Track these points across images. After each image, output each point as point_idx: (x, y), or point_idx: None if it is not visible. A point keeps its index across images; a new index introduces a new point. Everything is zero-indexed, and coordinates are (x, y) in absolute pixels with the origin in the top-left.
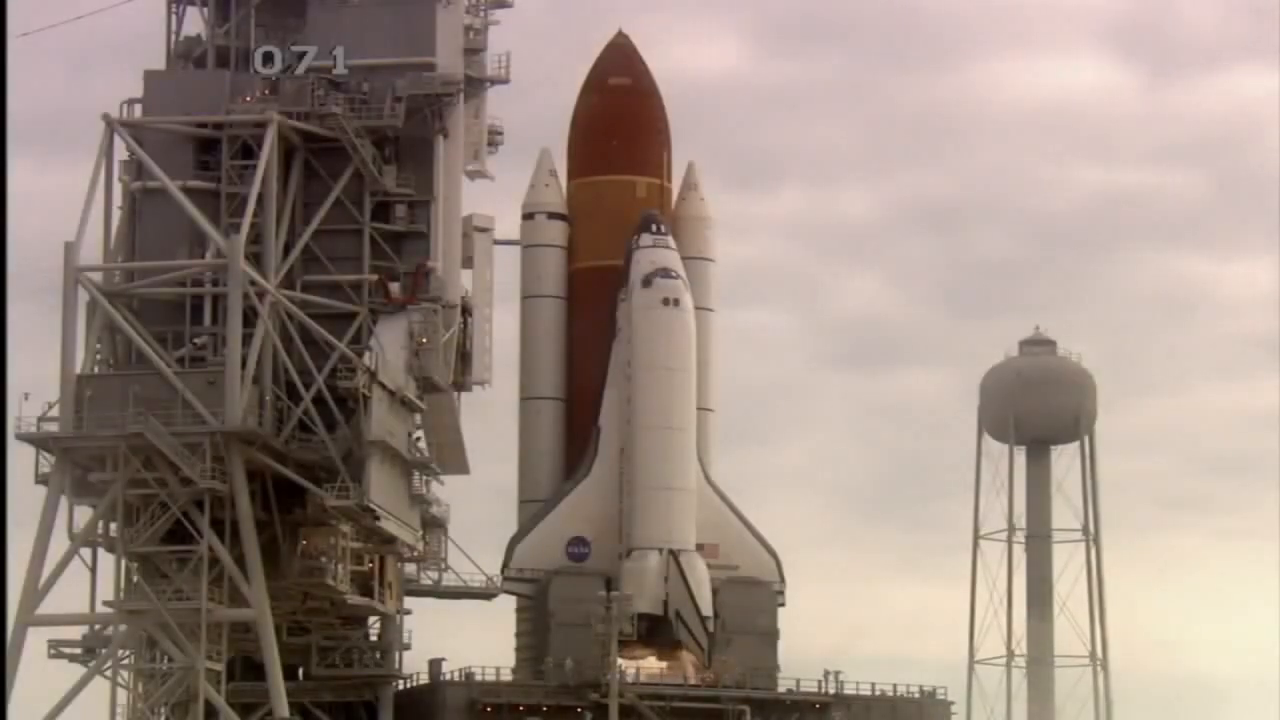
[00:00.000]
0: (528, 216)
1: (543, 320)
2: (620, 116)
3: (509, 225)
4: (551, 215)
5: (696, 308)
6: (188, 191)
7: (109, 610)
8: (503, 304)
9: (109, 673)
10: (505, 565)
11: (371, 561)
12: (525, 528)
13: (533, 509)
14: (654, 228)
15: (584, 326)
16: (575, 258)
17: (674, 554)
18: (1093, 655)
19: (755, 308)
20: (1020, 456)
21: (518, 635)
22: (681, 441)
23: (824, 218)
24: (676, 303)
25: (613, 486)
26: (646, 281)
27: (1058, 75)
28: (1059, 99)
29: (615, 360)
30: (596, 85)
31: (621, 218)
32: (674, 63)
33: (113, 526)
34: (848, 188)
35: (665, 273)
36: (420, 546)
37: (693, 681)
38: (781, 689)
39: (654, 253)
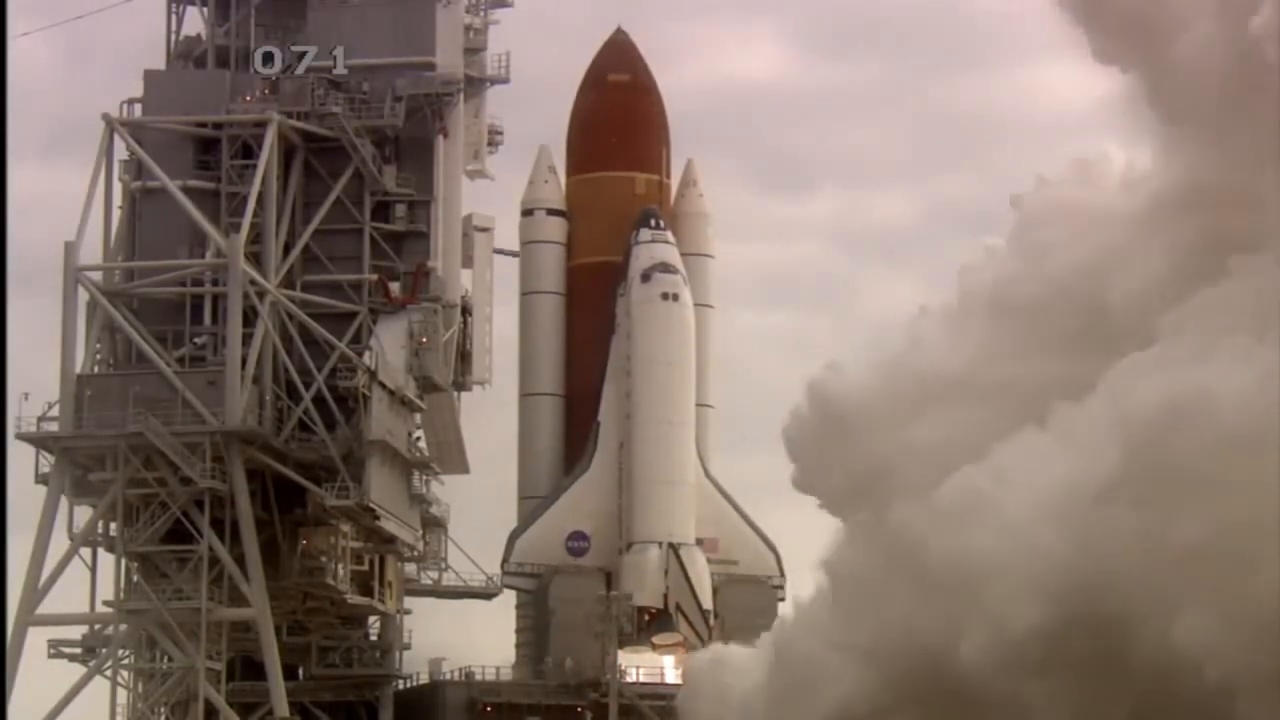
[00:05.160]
0: (527, 213)
1: (542, 316)
2: (619, 113)
3: (509, 226)
4: (551, 212)
5: (695, 304)
6: (188, 191)
7: (109, 610)
8: (502, 305)
9: (109, 673)
10: (505, 560)
11: (371, 561)
12: (525, 522)
13: (533, 505)
14: (653, 223)
15: (583, 322)
16: (574, 254)
17: (674, 547)
18: None
19: (788, 310)
20: None
21: (518, 632)
22: (681, 436)
23: (861, 221)
24: (676, 297)
25: (612, 481)
26: (646, 276)
27: (1098, 80)
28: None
29: (614, 355)
30: (595, 82)
31: (620, 214)
32: (694, 63)
33: (113, 526)
34: (885, 192)
35: (664, 268)
36: (420, 546)
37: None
38: None
39: (653, 248)
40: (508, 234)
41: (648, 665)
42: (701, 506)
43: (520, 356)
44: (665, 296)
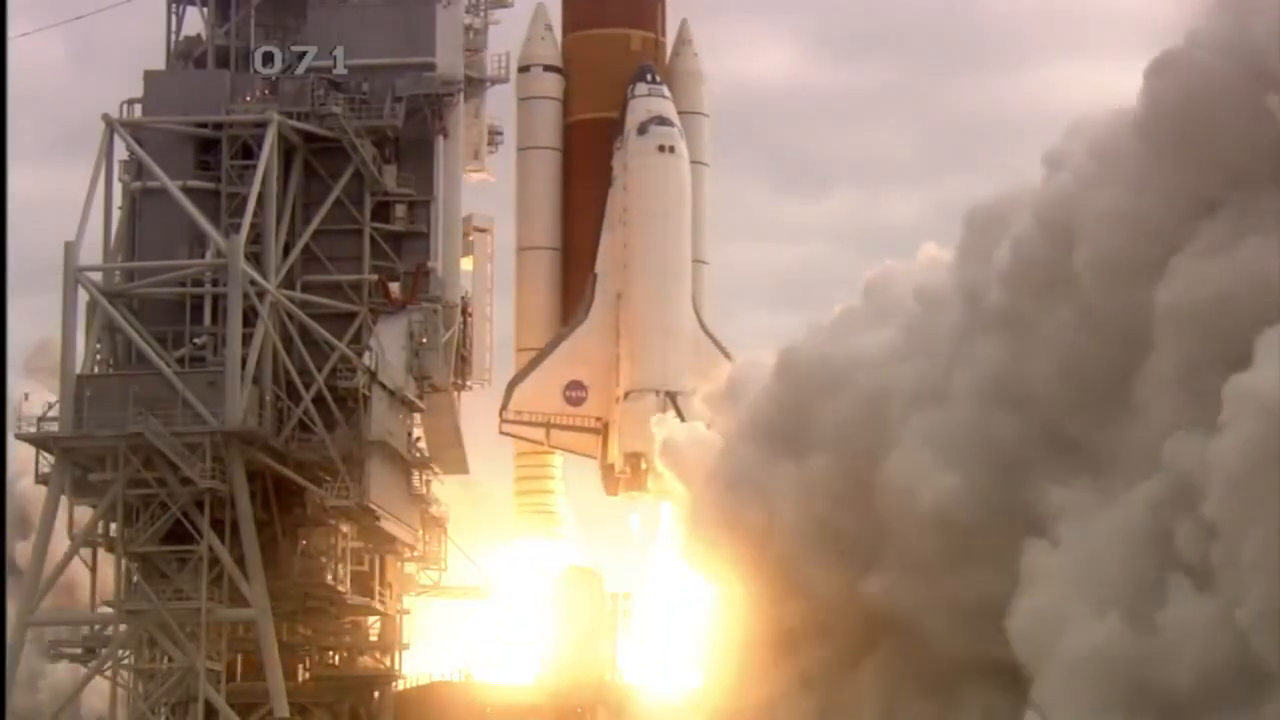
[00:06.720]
0: (523, 69)
1: (539, 171)
2: None
3: (509, 225)
4: (547, 68)
5: (691, 161)
6: (188, 191)
7: (109, 610)
8: (501, 303)
9: (109, 673)
10: (504, 408)
11: (371, 561)
12: (524, 371)
13: (529, 356)
14: (649, 78)
15: (580, 178)
16: (571, 110)
17: (670, 395)
18: None
19: (798, 311)
20: None
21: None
22: (677, 286)
23: (872, 222)
24: (672, 150)
25: (610, 331)
26: (642, 129)
27: (1110, 81)
28: (1111, 105)
29: (611, 207)
30: None
31: (616, 70)
32: (704, 64)
33: (113, 526)
34: (896, 193)
35: (660, 120)
36: (420, 546)
37: None
38: None
39: (649, 101)
40: (508, 235)
41: (643, 508)
42: (697, 358)
43: (517, 211)
44: (662, 149)
